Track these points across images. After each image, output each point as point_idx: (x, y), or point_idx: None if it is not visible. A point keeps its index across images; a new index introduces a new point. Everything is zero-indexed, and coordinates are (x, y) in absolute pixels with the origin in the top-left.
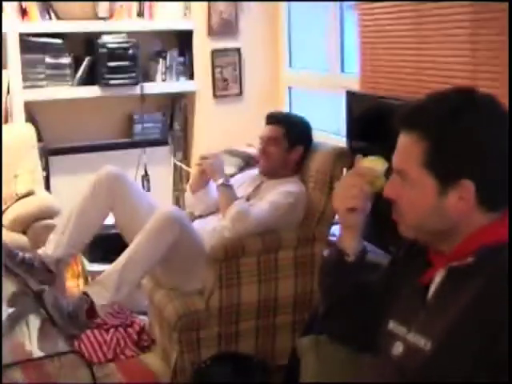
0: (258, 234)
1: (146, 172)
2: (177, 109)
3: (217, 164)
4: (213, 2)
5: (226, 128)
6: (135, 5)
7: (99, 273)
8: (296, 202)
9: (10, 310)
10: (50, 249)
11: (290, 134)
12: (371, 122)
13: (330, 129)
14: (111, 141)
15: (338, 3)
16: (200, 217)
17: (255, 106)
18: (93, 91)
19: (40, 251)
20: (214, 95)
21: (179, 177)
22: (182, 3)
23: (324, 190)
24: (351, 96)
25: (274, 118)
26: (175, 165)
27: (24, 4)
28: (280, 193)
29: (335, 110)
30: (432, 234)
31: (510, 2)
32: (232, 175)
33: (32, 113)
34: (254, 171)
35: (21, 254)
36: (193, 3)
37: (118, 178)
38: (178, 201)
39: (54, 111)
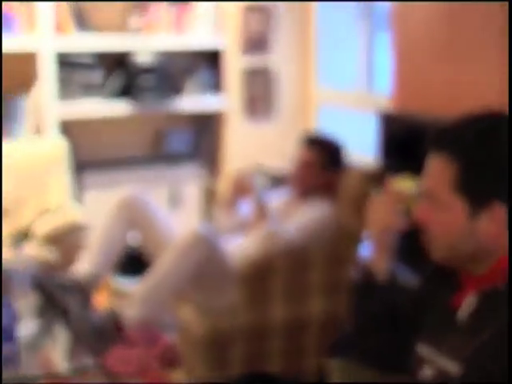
0: (287, 253)
1: (174, 190)
2: (207, 126)
3: (250, 182)
4: (245, 21)
5: (256, 146)
6: (164, 15)
7: (126, 288)
8: (325, 223)
9: (36, 323)
10: (82, 268)
11: (325, 159)
12: (403, 142)
13: (360, 148)
14: (140, 156)
15: (369, 21)
16: (230, 234)
17: (286, 125)
18: (124, 107)
19: (73, 270)
20: (245, 113)
21: (209, 194)
22: (212, 17)
23: (354, 210)
24: (383, 115)
25: (310, 142)
26: (205, 183)
27: (58, 17)
28: (309, 214)
29: (366, 128)
30: (463, 257)
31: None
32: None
33: (66, 129)
34: (284, 191)
35: (56, 276)
36: (224, 19)
37: (138, 201)
38: (207, 220)
39: (87, 127)
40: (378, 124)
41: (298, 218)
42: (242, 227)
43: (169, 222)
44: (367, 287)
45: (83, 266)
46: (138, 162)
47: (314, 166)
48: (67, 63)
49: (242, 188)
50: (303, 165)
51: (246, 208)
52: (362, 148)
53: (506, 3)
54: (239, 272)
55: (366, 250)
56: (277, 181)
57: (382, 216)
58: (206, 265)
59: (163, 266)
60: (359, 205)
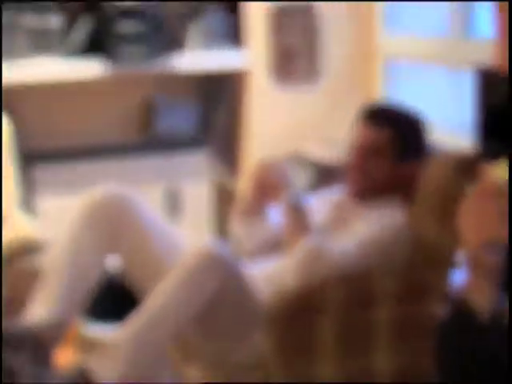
0: (341, 282)
1: (172, 189)
2: (219, 95)
3: (282, 176)
4: None
5: (292, 124)
6: None
7: (102, 336)
8: (397, 236)
9: None
10: (37, 311)
11: (402, 142)
12: None
13: (448, 124)
14: (121, 142)
15: None
16: (253, 256)
17: (337, 91)
18: (95, 68)
19: (23, 314)
20: (275, 74)
21: (222, 196)
22: None
23: (440, 216)
24: (483, 73)
25: (375, 116)
26: (216, 178)
27: None
28: (374, 224)
29: (457, 94)
30: None
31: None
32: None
33: (8, 103)
34: (335, 191)
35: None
36: None
37: (120, 203)
38: (220, 233)
39: (38, 97)
40: (475, 87)
41: (357, 231)
42: (272, 244)
43: (167, 234)
44: (462, 328)
45: (38, 307)
46: (118, 151)
47: (380, 154)
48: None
49: (270, 186)
50: (364, 152)
51: (276, 215)
52: (451, 124)
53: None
54: (269, 310)
55: (458, 276)
56: (323, 175)
57: (483, 223)
58: (220, 299)
59: (158, 302)
60: (448, 209)
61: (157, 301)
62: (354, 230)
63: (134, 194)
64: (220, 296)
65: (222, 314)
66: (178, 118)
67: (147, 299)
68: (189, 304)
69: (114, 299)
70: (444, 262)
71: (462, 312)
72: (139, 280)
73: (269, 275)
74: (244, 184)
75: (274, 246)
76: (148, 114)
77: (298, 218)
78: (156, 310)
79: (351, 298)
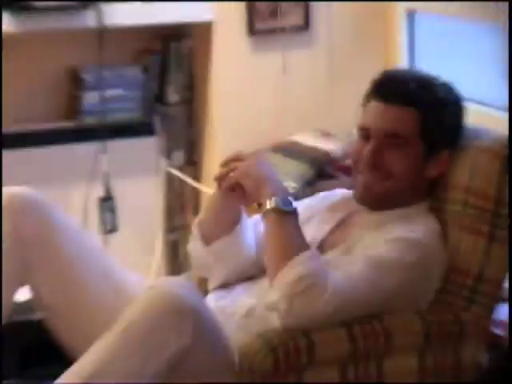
0: (344, 322)
1: (107, 190)
2: (173, 59)
3: (260, 171)
4: None
5: (275, 98)
6: None
7: None
8: (427, 259)
9: None
10: None
11: (431, 125)
12: None
13: (487, 96)
14: (38, 126)
15: None
16: (223, 287)
17: (338, 53)
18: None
19: None
20: (251, 31)
21: (179, 201)
22: None
23: (482, 228)
24: None
25: (392, 91)
26: (170, 176)
27: None
28: (394, 241)
29: (497, 54)
30: None
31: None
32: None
33: None
34: (338, 192)
35: None
36: None
37: (31, 210)
38: (174, 253)
39: None
40: None
41: (372, 247)
42: (250, 268)
43: (103, 264)
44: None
45: None
46: (33, 138)
47: (402, 145)
48: None
49: (247, 181)
50: (379, 142)
51: (251, 228)
52: (493, 96)
53: None
54: (245, 363)
55: (503, 311)
56: (320, 169)
57: None
58: (185, 356)
59: (98, 360)
60: (494, 218)
61: (97, 358)
62: (363, 249)
63: (52, 204)
64: (186, 353)
65: (188, 372)
66: (116, 93)
67: (80, 361)
68: (143, 363)
69: (32, 357)
70: (488, 291)
71: (506, 357)
72: (63, 329)
73: (242, 313)
74: (210, 183)
75: (248, 270)
76: (74, 87)
77: (283, 229)
78: (94, 368)
79: (357, 345)
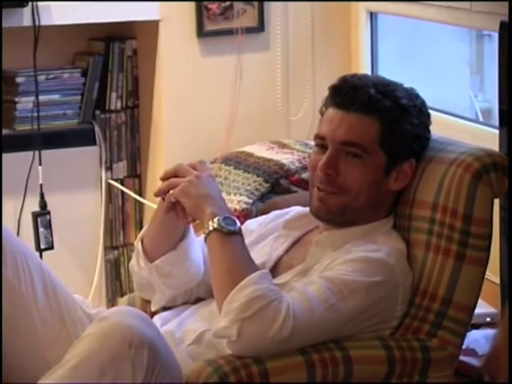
0: (300, 349)
1: (42, 203)
2: (115, 61)
3: (201, 188)
4: None
5: (227, 105)
6: None
7: None
8: (390, 281)
9: None
10: None
11: (392, 134)
12: None
13: (456, 104)
14: None
15: None
16: (169, 309)
17: (295, 57)
18: None
19: None
20: (200, 31)
21: (120, 216)
22: None
23: (451, 248)
24: (509, 28)
25: (352, 97)
26: (111, 189)
27: None
28: (354, 261)
29: (466, 58)
30: None
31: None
32: (244, 215)
33: None
34: (295, 210)
35: None
36: None
37: None
38: (116, 272)
39: None
40: (500, 47)
41: (331, 268)
42: (197, 290)
43: (48, 287)
44: None
45: None
46: None
47: (369, 152)
48: None
49: (188, 198)
50: (337, 152)
51: (199, 245)
52: (463, 105)
53: None
54: None
55: (479, 338)
56: (275, 183)
57: None
58: None
59: None
60: (464, 237)
61: None
62: (320, 270)
63: None
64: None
65: None
66: (51, 98)
67: None
68: None
69: None
70: (456, 316)
71: None
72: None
73: (189, 340)
74: (152, 200)
75: (195, 292)
76: (9, 94)
77: (228, 250)
78: None
79: (315, 375)
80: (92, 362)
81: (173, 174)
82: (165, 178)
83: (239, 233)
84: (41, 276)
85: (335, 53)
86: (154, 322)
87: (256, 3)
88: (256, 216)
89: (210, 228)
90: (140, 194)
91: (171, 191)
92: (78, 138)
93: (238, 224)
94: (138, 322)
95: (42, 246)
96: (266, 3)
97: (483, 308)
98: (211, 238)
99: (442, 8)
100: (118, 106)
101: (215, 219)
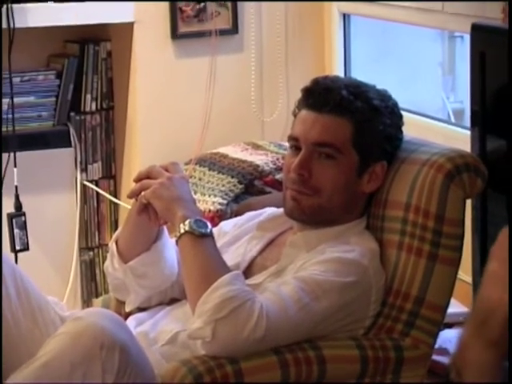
0: (274, 349)
1: (17, 205)
2: (90, 63)
3: (172, 191)
4: None
5: (201, 107)
6: None
7: None
8: (363, 281)
9: None
10: None
11: (365, 134)
12: None
13: (429, 106)
14: None
15: None
16: (143, 310)
17: (269, 59)
18: None
19: None
20: (175, 33)
21: (95, 217)
22: None
23: (423, 248)
24: (481, 30)
25: (325, 99)
26: (86, 190)
27: None
28: (328, 262)
29: (438, 59)
30: None
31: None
32: (218, 216)
33: None
34: (268, 211)
35: None
36: None
37: None
38: (91, 273)
39: None
40: (472, 49)
41: (304, 268)
42: (171, 291)
43: (21, 290)
44: None
45: None
46: None
47: (342, 153)
48: None
49: (160, 200)
50: (310, 154)
51: (173, 246)
52: (435, 107)
53: None
54: None
55: (451, 338)
56: (248, 185)
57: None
58: None
59: None
60: (435, 237)
61: None
62: (293, 271)
63: None
64: None
65: None
66: (26, 100)
67: None
68: None
69: None
70: (428, 315)
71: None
72: None
73: (163, 340)
74: (126, 201)
75: (169, 294)
76: None
77: (200, 253)
78: None
79: (289, 376)
80: (62, 360)
81: (145, 176)
82: (138, 180)
83: (211, 235)
84: (13, 277)
85: (309, 54)
86: (127, 325)
87: (230, 5)
88: (230, 217)
89: (182, 231)
90: (115, 195)
91: (143, 193)
92: (53, 139)
93: (210, 226)
94: (111, 325)
95: (18, 247)
96: (239, 6)
97: (456, 307)
98: (183, 241)
99: (414, 10)
100: (93, 107)
101: (186, 222)
